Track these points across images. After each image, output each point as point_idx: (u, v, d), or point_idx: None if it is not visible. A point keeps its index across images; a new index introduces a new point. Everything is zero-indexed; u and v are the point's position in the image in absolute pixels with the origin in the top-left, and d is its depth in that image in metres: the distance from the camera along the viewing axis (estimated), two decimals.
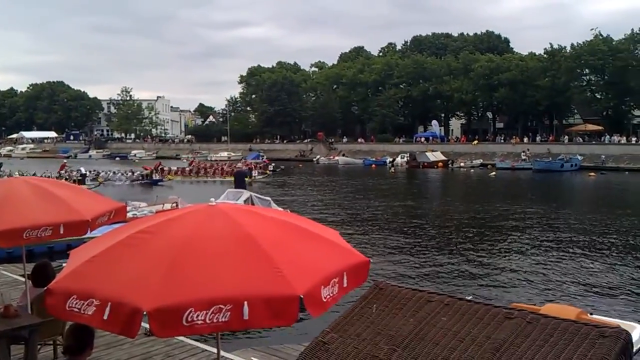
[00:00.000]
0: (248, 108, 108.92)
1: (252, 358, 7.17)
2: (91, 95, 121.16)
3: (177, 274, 3.28)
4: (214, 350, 6.40)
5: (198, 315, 3.09)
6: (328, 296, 3.35)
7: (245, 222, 3.71)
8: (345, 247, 4.05)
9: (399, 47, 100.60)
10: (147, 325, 3.07)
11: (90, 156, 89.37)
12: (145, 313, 3.05)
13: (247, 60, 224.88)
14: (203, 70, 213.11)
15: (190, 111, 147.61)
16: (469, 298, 4.01)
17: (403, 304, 3.31)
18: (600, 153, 59.34)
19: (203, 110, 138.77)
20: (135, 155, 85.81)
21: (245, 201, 19.24)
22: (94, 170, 44.39)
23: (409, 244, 18.50)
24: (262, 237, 3.55)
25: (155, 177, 43.56)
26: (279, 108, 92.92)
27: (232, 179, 44.12)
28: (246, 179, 43.46)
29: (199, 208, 3.95)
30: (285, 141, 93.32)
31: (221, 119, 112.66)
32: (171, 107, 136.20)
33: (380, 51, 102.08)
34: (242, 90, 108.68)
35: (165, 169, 48.00)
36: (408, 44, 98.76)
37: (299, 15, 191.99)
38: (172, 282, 3.23)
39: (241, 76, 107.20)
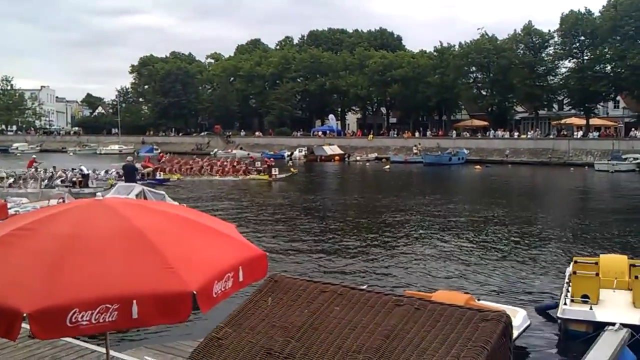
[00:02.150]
0: (140, 99, 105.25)
1: (145, 357, 6.94)
2: None
3: (60, 273, 3.11)
4: (104, 350, 6.13)
5: (83, 316, 2.95)
6: (219, 291, 3.30)
7: (135, 216, 3.57)
8: (241, 241, 4.00)
9: (295, 40, 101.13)
10: None
11: None
12: (25, 315, 2.87)
13: (138, 50, 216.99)
14: (91, 59, 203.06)
15: (77, 102, 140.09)
16: (364, 287, 4.10)
17: (298, 296, 3.34)
18: (485, 147, 62.96)
19: (91, 101, 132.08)
20: (17, 148, 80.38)
21: (137, 195, 18.56)
22: (99, 170, 35.66)
23: (308, 237, 18.66)
24: (153, 232, 3.43)
25: (160, 175, 37.04)
26: (174, 100, 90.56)
27: (253, 176, 38.97)
28: (265, 177, 38.70)
29: (84, 203, 3.76)
30: (180, 134, 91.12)
31: (111, 111, 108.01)
32: (56, 97, 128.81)
33: (277, 44, 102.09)
34: (133, 81, 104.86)
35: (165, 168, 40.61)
36: (305, 38, 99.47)
37: (193, 3, 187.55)
38: (55, 281, 3.06)
39: (132, 66, 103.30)
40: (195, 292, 3.09)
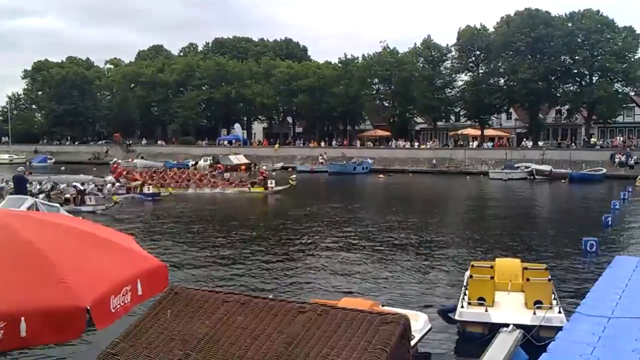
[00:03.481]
0: (33, 106, 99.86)
1: None
2: None
3: None
4: None
5: None
6: (118, 306, 3.16)
7: (23, 228, 3.36)
8: (139, 252, 3.86)
9: (200, 48, 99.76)
10: None
11: None
12: None
13: (32, 54, 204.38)
14: None
15: None
16: (269, 297, 4.08)
17: (199, 307, 3.26)
18: (388, 157, 64.85)
19: None
20: None
21: (28, 208, 17.52)
22: (96, 184, 31.12)
23: (213, 247, 18.34)
24: (43, 245, 3.24)
25: (148, 189, 32.97)
26: (70, 107, 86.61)
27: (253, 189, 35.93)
28: (260, 189, 35.84)
29: None
30: (76, 142, 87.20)
31: (1, 118, 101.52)
32: None
33: (181, 51, 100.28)
34: (26, 87, 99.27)
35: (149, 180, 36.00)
36: (210, 45, 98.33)
37: (90, 7, 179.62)
38: None
39: (25, 71, 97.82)
40: (89, 307, 2.95)
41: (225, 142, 77.62)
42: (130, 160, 70.48)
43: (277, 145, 73.81)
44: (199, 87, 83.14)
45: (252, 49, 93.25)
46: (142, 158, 70.77)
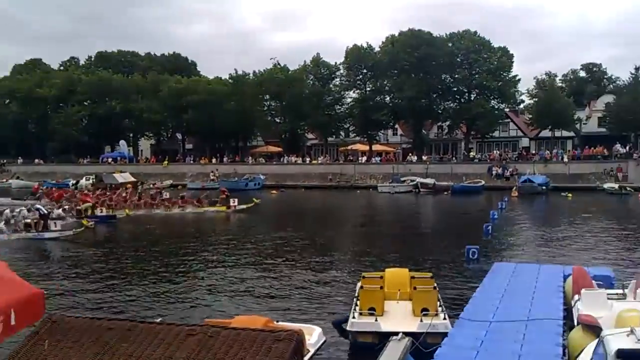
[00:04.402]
0: None
1: None
2: None
3: None
4: None
5: None
6: None
7: None
8: (12, 279, 3.56)
9: (82, 62, 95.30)
10: None
11: None
12: None
13: None
14: None
15: None
16: (157, 320, 3.91)
17: (80, 336, 3.05)
18: (280, 172, 65.15)
19: None
20: None
21: None
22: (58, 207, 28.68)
23: (96, 270, 17.44)
24: None
25: (101, 212, 30.42)
26: None
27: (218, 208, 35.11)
28: (222, 208, 35.01)
29: None
30: None
31: None
32: None
33: (61, 65, 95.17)
34: None
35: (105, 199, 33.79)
36: (92, 59, 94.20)
37: None
38: None
39: None
40: None
41: (110, 160, 74.35)
42: (4, 180, 65.95)
43: (166, 162, 71.89)
44: (80, 103, 79.19)
45: (138, 63, 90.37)
46: (17, 178, 66.33)
